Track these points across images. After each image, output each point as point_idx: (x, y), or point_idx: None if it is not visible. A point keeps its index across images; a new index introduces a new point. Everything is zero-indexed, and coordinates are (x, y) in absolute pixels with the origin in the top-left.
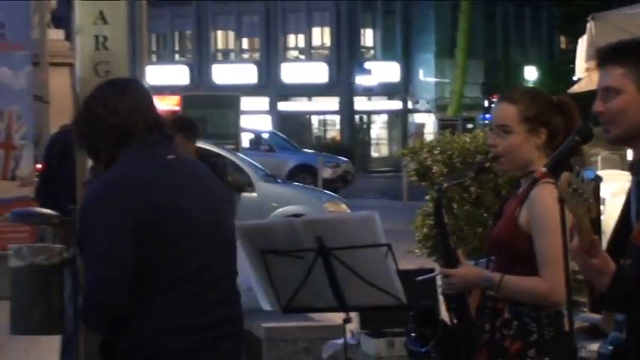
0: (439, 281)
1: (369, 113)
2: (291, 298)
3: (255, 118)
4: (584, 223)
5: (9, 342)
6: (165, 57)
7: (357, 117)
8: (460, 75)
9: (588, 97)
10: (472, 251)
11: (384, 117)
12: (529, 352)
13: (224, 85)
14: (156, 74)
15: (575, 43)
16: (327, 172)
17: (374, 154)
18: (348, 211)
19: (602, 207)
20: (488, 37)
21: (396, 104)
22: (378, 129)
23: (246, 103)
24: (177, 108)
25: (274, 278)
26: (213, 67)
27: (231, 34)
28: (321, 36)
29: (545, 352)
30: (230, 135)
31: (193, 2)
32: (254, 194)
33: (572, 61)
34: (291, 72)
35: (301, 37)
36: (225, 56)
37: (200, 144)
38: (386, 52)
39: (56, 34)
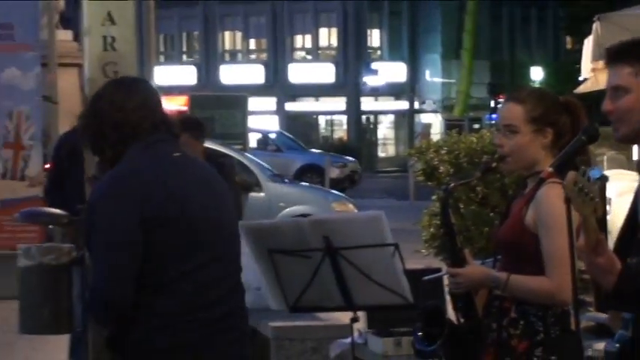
0: (446, 281)
1: (376, 113)
2: (299, 298)
3: (263, 119)
4: (590, 222)
5: (18, 341)
6: (172, 57)
7: (363, 117)
8: (466, 75)
9: (594, 97)
10: (478, 251)
11: (391, 117)
12: (536, 351)
13: (231, 85)
14: (164, 75)
15: (581, 43)
16: (334, 172)
17: (381, 154)
18: (355, 210)
19: (608, 207)
20: (494, 37)
21: (403, 104)
22: (385, 129)
23: (254, 103)
24: (185, 108)
25: (282, 278)
26: (220, 67)
27: (239, 35)
28: (328, 37)
29: (552, 351)
30: (237, 135)
31: (201, 3)
32: (262, 194)
33: (578, 61)
34: (299, 72)
35: (308, 38)
36: (233, 57)
37: (208, 144)
38: (393, 52)
39: (64, 35)
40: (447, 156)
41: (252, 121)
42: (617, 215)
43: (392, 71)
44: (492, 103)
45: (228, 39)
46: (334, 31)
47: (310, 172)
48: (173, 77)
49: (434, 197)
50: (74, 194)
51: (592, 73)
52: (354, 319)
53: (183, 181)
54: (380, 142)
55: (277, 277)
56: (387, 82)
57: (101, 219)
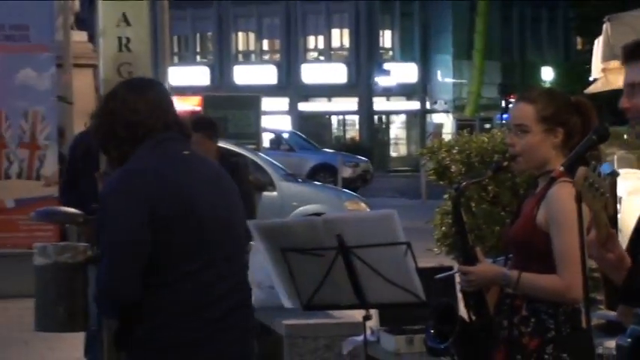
0: (457, 279)
1: (388, 113)
2: (312, 296)
3: (276, 119)
4: (601, 217)
5: (34, 339)
6: (186, 58)
7: (376, 117)
8: (477, 76)
9: (604, 97)
10: (490, 249)
11: (403, 117)
12: (547, 349)
13: (245, 85)
14: (177, 75)
15: (591, 44)
16: (346, 172)
17: (393, 153)
18: (368, 209)
19: (618, 205)
20: (505, 38)
21: (415, 104)
22: (397, 129)
23: (267, 103)
24: (199, 108)
25: (295, 276)
26: (234, 68)
27: (252, 36)
28: (341, 37)
29: (563, 348)
30: (251, 135)
31: (214, 4)
32: (275, 193)
33: (588, 61)
34: (311, 73)
35: (321, 39)
36: (246, 57)
37: (221, 144)
38: (404, 53)
39: (79, 36)
40: (459, 155)
41: (265, 121)
42: (627, 214)
43: (404, 72)
44: (503, 103)
45: (242, 40)
46: (346, 32)
47: (323, 172)
48: (187, 78)
49: (445, 196)
50: (89, 193)
51: (602, 73)
52: (367, 317)
53: (192, 180)
54: (392, 141)
55: (291, 275)
56: (399, 82)
57: (108, 217)
